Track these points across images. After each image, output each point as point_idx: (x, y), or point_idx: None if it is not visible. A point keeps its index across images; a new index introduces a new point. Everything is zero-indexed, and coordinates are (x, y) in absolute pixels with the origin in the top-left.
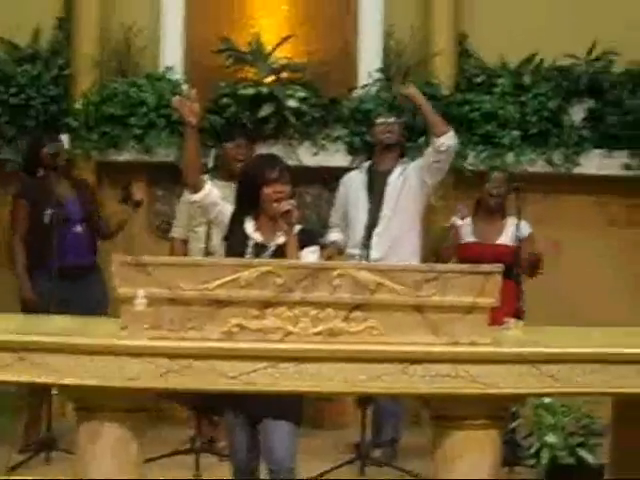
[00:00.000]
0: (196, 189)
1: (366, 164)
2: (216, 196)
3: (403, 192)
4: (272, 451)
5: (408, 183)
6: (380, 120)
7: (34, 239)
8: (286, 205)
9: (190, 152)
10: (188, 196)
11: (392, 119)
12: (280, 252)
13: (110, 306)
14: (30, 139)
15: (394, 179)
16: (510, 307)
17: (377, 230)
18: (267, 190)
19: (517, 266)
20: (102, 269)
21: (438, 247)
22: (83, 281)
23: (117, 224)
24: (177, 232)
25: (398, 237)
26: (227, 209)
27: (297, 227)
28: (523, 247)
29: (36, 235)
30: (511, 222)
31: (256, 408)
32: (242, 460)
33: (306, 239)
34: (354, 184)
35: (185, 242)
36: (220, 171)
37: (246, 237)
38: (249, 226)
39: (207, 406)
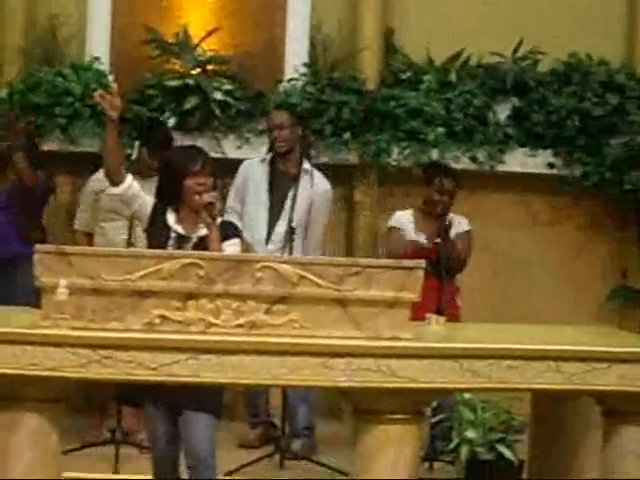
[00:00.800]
0: (116, 182)
1: (268, 156)
2: (137, 189)
3: (310, 213)
4: (191, 444)
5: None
6: (268, 123)
7: None
8: (208, 197)
9: (110, 145)
10: (110, 189)
11: (278, 121)
12: (202, 244)
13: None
14: None
15: (301, 192)
16: (433, 304)
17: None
18: (189, 182)
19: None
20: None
21: (390, 248)
22: (3, 272)
23: None
24: (80, 224)
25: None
26: (148, 201)
27: (218, 219)
28: (458, 243)
29: None
30: (455, 219)
31: (176, 400)
32: (162, 452)
33: (227, 231)
34: (255, 175)
35: (89, 235)
36: (140, 166)
37: (168, 229)
38: (171, 218)
39: (128, 397)
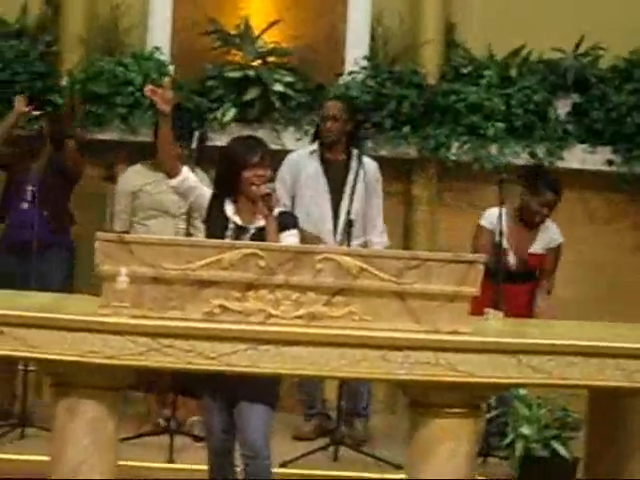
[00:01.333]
0: (172, 175)
1: (313, 148)
2: (193, 180)
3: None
4: (246, 434)
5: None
6: (322, 113)
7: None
8: (265, 189)
9: (164, 139)
10: (168, 181)
11: (333, 112)
12: (260, 235)
13: (68, 285)
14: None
15: (356, 179)
16: (490, 299)
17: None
18: (247, 174)
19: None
20: (66, 246)
21: (477, 248)
22: (31, 257)
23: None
24: (119, 225)
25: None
26: (206, 192)
27: (276, 210)
28: (548, 255)
29: (3, 210)
30: (546, 228)
31: (233, 390)
32: (218, 442)
33: (285, 222)
34: (307, 168)
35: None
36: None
37: (226, 219)
38: (229, 209)
39: (185, 388)
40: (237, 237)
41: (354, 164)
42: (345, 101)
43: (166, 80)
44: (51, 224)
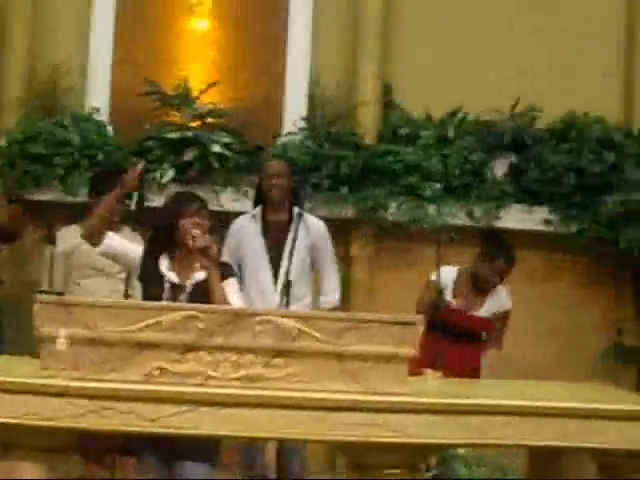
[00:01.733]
0: (96, 243)
1: (256, 211)
2: (117, 244)
3: (305, 258)
4: None
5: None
6: (265, 172)
7: None
8: (204, 240)
9: (108, 208)
10: (94, 249)
11: (277, 169)
12: (197, 291)
13: None
14: None
15: (295, 239)
16: (426, 359)
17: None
18: (184, 222)
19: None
20: None
21: (422, 299)
22: None
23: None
24: (52, 286)
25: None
26: (136, 251)
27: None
28: (499, 321)
29: None
30: (497, 292)
31: (172, 448)
32: None
33: (224, 271)
34: (249, 230)
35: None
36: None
37: (161, 277)
38: (164, 265)
39: (123, 447)
40: (173, 295)
41: (294, 224)
42: (286, 161)
43: (140, 164)
44: None
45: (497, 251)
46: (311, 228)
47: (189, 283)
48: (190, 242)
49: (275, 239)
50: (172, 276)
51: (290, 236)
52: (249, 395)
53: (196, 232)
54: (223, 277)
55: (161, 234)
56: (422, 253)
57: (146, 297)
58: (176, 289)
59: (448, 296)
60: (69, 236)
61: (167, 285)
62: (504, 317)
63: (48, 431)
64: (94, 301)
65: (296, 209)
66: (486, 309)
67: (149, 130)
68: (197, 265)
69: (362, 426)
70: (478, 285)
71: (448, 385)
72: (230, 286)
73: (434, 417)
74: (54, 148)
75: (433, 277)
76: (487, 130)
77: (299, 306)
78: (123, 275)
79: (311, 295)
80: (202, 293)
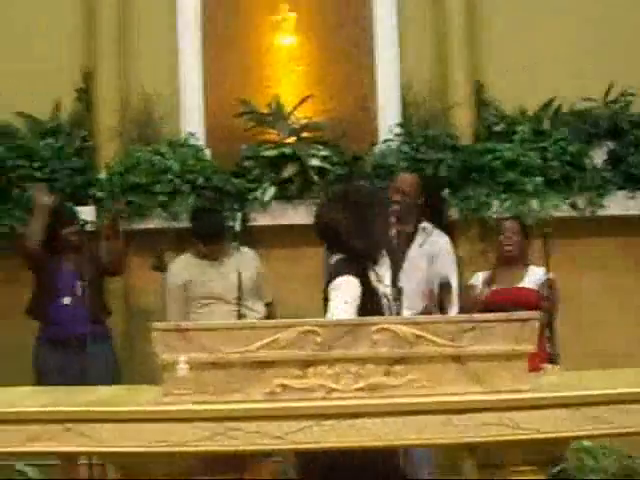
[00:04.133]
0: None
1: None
2: None
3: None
4: None
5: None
6: (394, 184)
7: (37, 311)
8: None
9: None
10: None
11: (401, 184)
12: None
13: (115, 375)
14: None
15: (417, 251)
16: (543, 353)
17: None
18: None
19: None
20: (108, 338)
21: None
22: (76, 352)
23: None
24: (173, 316)
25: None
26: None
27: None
28: (541, 291)
29: (38, 307)
30: (533, 269)
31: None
32: None
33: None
34: None
35: None
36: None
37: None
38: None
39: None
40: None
41: (419, 236)
42: (417, 175)
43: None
44: (92, 317)
45: (499, 221)
46: (431, 241)
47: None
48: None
49: (399, 249)
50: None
51: (412, 248)
52: (372, 404)
53: None
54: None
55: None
56: (529, 248)
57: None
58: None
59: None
60: (182, 268)
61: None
62: (551, 285)
63: (176, 458)
64: (210, 324)
65: (424, 223)
66: (527, 283)
67: (246, 150)
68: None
69: (488, 426)
70: (505, 260)
71: (568, 378)
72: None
73: (559, 411)
74: (154, 176)
75: (472, 281)
76: (583, 119)
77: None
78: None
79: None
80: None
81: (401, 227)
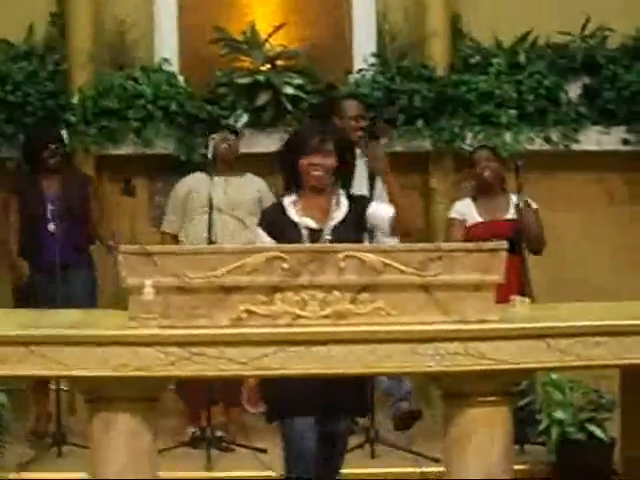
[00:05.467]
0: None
1: None
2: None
3: None
4: (337, 458)
5: None
6: (344, 113)
7: (22, 234)
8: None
9: None
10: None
11: (358, 110)
12: (337, 234)
13: (96, 302)
14: (29, 138)
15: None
16: (516, 284)
17: None
18: (303, 161)
19: (522, 241)
20: (90, 265)
21: (450, 239)
22: (61, 278)
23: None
24: (169, 227)
25: None
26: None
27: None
28: (529, 221)
29: (23, 231)
30: (513, 198)
31: (329, 408)
32: (309, 468)
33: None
34: None
35: (175, 237)
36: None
37: (295, 225)
38: (292, 211)
39: (276, 414)
40: (312, 242)
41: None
42: (360, 99)
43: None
44: (74, 243)
45: (475, 151)
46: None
47: (327, 226)
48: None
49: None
50: (308, 222)
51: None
52: (338, 332)
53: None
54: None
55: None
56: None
57: None
58: (315, 235)
59: (475, 219)
60: (190, 180)
61: (304, 232)
62: (534, 215)
63: (142, 381)
64: (177, 248)
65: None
66: (511, 213)
67: (220, 77)
68: (332, 206)
69: (454, 355)
70: (486, 189)
71: (536, 310)
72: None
73: (525, 342)
74: (127, 102)
75: (452, 214)
76: (558, 53)
77: None
78: (236, 213)
79: None
80: (343, 233)
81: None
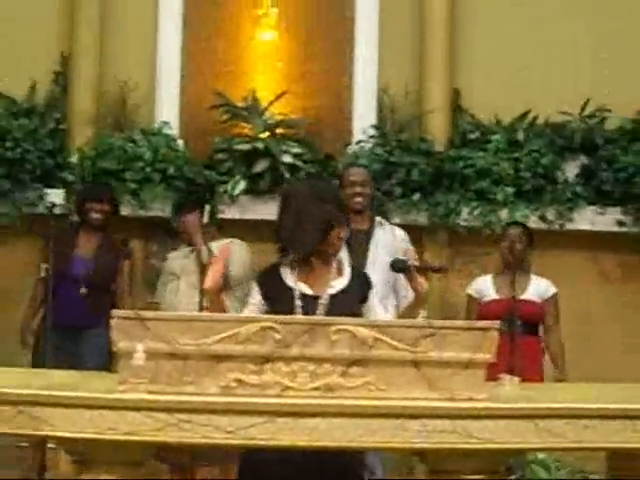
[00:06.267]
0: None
1: None
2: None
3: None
4: None
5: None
6: (347, 180)
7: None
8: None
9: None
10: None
11: (362, 178)
12: (335, 303)
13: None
14: (78, 192)
15: (377, 243)
16: (503, 363)
17: None
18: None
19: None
20: (106, 325)
21: (468, 318)
22: (78, 340)
23: None
24: (158, 298)
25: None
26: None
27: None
28: (547, 306)
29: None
30: (536, 279)
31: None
32: None
33: (366, 283)
34: None
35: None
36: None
37: (289, 289)
38: (288, 276)
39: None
40: (307, 309)
41: (377, 231)
42: (366, 168)
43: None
44: (95, 306)
45: (502, 232)
46: (396, 235)
47: (325, 295)
48: (415, 263)
49: (358, 247)
50: (303, 288)
51: (372, 245)
52: (327, 405)
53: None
54: (368, 288)
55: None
56: (496, 257)
57: (276, 313)
58: (309, 302)
59: (491, 296)
60: (172, 257)
61: (298, 297)
62: (554, 300)
63: (128, 445)
64: (171, 315)
65: (377, 217)
66: (531, 292)
67: (219, 142)
68: (333, 274)
69: (441, 433)
70: (510, 267)
71: (526, 389)
72: (376, 299)
73: (513, 422)
74: (125, 163)
75: (468, 290)
76: (557, 132)
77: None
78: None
79: (396, 300)
80: (342, 304)
81: (359, 225)
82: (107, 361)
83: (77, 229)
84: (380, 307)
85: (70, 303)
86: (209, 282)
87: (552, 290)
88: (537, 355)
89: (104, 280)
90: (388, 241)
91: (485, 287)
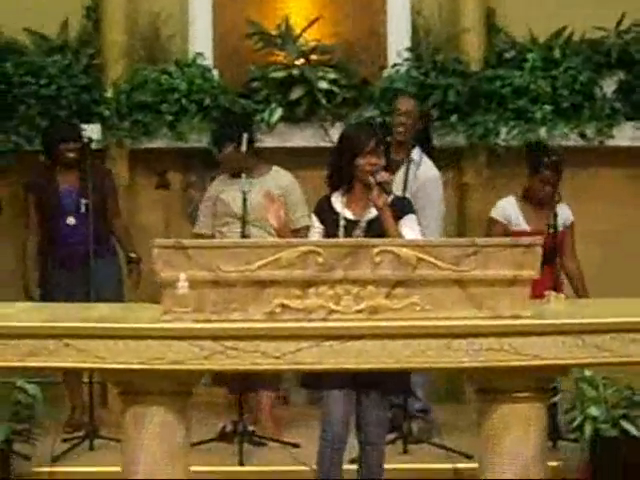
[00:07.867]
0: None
1: None
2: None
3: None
4: (373, 426)
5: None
6: (397, 106)
7: (41, 230)
8: (384, 176)
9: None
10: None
11: (404, 106)
12: (373, 226)
13: (122, 289)
14: (48, 134)
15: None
16: (549, 281)
17: None
18: (362, 161)
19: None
20: (113, 253)
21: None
22: (84, 270)
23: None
24: (203, 228)
25: None
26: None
27: (389, 197)
28: (566, 236)
29: (41, 226)
30: (561, 208)
31: (363, 380)
32: (338, 432)
33: (401, 208)
34: None
35: (212, 238)
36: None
37: (336, 215)
38: (337, 203)
39: (311, 384)
40: (348, 232)
41: (405, 167)
42: (416, 99)
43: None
44: (96, 236)
45: (542, 162)
46: (419, 173)
47: (364, 220)
48: (370, 179)
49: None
50: (347, 213)
51: (398, 177)
52: (372, 327)
53: (376, 169)
54: (403, 212)
55: (337, 171)
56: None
57: (323, 236)
58: (351, 226)
59: (520, 225)
60: (214, 185)
61: (342, 222)
62: (571, 229)
63: (175, 375)
64: (212, 242)
65: (414, 153)
66: (559, 223)
67: (254, 71)
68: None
69: (488, 351)
70: (535, 202)
71: (571, 306)
72: (408, 221)
73: (560, 338)
74: (161, 95)
75: (493, 214)
76: (593, 49)
77: None
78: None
79: None
80: (377, 228)
81: (396, 154)
82: (120, 286)
83: (51, 169)
84: (409, 230)
85: (63, 236)
86: (274, 222)
87: (571, 218)
88: (559, 284)
89: (94, 207)
90: (411, 179)
91: (513, 214)
